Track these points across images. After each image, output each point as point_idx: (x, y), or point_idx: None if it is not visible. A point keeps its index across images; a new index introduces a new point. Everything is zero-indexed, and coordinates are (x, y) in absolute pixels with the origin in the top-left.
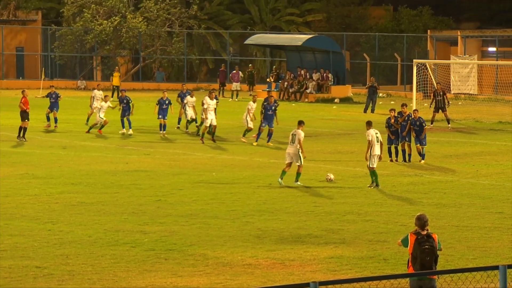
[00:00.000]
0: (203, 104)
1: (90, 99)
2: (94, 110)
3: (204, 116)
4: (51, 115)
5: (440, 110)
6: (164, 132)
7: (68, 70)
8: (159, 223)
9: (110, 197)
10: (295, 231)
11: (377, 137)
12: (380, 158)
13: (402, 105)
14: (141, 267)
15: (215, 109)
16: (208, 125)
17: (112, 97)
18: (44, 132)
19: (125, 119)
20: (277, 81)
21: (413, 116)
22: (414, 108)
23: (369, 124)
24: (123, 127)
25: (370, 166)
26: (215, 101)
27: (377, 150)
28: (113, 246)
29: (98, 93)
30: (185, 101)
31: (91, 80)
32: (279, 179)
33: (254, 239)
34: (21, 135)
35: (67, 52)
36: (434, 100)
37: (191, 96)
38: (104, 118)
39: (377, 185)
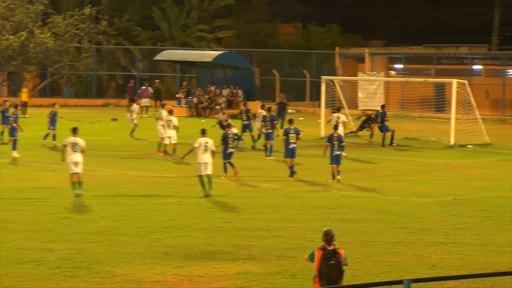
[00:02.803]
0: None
1: None
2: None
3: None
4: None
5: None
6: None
7: None
8: (66, 241)
9: (16, 214)
10: (204, 247)
11: (206, 145)
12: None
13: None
14: (47, 285)
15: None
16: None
17: (25, 113)
18: None
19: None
20: (187, 97)
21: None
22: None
23: (202, 133)
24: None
25: (198, 173)
26: (174, 117)
27: (204, 158)
28: (17, 264)
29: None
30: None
31: None
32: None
33: (162, 256)
34: None
35: None
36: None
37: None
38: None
39: (210, 189)
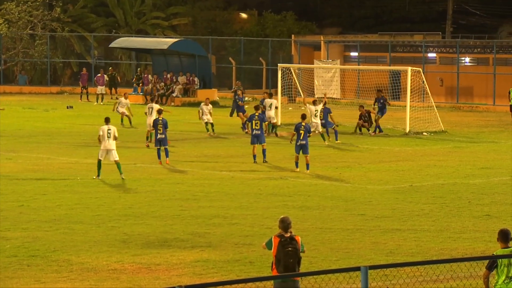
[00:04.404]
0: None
1: None
2: None
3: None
4: None
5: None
6: None
7: None
8: (22, 229)
9: None
10: (162, 235)
11: (109, 132)
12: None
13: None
14: (3, 274)
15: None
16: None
17: None
18: None
19: None
20: (138, 84)
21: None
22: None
23: (106, 121)
24: None
25: (99, 158)
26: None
27: (109, 145)
28: None
29: None
30: None
31: None
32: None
33: (119, 244)
34: None
35: None
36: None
37: None
38: None
39: (120, 173)
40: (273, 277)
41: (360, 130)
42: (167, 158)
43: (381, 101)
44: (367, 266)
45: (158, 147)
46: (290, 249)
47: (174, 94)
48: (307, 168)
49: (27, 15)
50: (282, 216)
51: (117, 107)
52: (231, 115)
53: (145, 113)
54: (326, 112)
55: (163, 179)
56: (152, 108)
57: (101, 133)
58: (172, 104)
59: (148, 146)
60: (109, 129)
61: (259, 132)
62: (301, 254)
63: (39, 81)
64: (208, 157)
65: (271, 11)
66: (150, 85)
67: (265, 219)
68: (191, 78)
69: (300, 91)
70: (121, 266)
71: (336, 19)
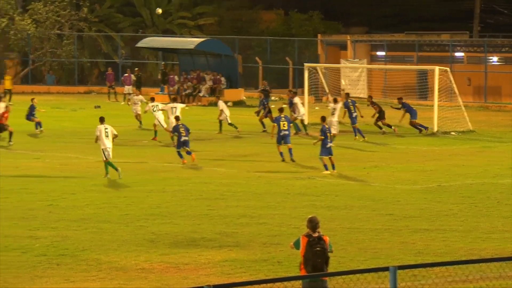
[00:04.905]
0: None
1: None
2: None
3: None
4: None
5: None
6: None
7: None
8: (51, 228)
9: None
10: (189, 234)
11: (106, 131)
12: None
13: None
14: (32, 273)
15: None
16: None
17: (9, 100)
18: None
19: None
20: (163, 81)
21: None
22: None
23: (101, 120)
24: None
25: (103, 159)
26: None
27: (106, 143)
28: (2, 252)
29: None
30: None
31: None
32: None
33: (148, 243)
34: None
35: None
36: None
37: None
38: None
39: (116, 169)
40: (302, 277)
41: (380, 127)
42: (193, 154)
43: (404, 106)
44: (396, 266)
45: (178, 150)
46: (318, 249)
47: (200, 94)
48: (333, 168)
49: (54, 15)
50: (310, 216)
51: (134, 108)
52: (257, 114)
53: (151, 110)
54: (353, 104)
55: (191, 178)
56: (176, 108)
57: (98, 133)
58: (199, 103)
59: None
60: (106, 128)
61: (287, 132)
62: (329, 254)
63: (66, 80)
64: (234, 156)
65: (297, 10)
66: (176, 85)
67: (292, 219)
68: (218, 77)
69: (327, 90)
70: (149, 265)
71: (362, 18)
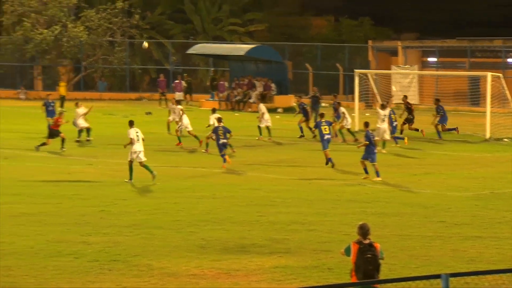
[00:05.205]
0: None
1: (42, 109)
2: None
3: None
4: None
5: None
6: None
7: (8, 80)
8: (103, 234)
9: (52, 207)
10: (240, 240)
11: (137, 135)
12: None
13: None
14: (85, 278)
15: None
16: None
17: (61, 106)
18: None
19: None
20: (212, 87)
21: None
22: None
23: (130, 124)
24: None
25: (137, 162)
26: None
27: (138, 147)
28: (55, 257)
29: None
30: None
31: (32, 90)
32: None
33: (198, 249)
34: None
35: (7, 62)
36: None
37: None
38: (86, 124)
39: (151, 172)
40: (352, 284)
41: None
42: (227, 156)
43: (441, 109)
44: (448, 273)
45: (222, 153)
46: (369, 255)
47: (251, 100)
48: (377, 175)
49: (106, 22)
50: (360, 223)
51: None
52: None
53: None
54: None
55: (241, 184)
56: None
57: (131, 136)
58: (249, 110)
59: (206, 151)
60: (137, 132)
61: (330, 136)
62: (380, 261)
63: (118, 87)
64: (285, 163)
65: (347, 16)
66: (226, 92)
67: (343, 226)
68: (268, 84)
69: (377, 97)
70: (200, 271)
71: (413, 23)
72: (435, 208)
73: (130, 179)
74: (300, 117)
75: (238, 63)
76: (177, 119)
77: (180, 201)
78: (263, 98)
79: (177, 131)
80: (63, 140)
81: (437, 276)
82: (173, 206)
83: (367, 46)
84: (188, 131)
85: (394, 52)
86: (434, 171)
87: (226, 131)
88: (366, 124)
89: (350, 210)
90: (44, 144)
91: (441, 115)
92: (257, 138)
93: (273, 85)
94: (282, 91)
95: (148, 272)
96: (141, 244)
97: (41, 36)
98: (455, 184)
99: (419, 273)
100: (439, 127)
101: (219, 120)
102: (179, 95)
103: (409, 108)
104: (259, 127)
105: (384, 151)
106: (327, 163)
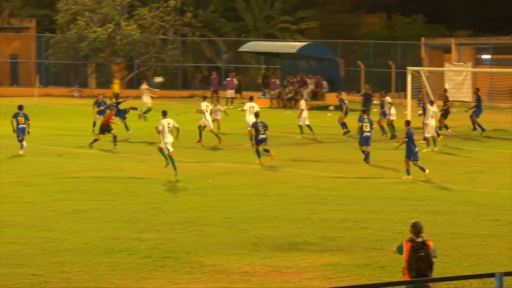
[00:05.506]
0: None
1: (92, 107)
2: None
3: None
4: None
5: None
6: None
7: (62, 78)
8: (155, 231)
9: (105, 204)
10: (291, 238)
11: (168, 126)
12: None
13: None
14: (138, 275)
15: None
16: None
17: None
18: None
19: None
20: (264, 85)
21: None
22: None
23: (163, 114)
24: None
25: (161, 147)
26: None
27: (168, 138)
28: (109, 253)
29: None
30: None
31: (85, 87)
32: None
33: (250, 247)
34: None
35: (61, 60)
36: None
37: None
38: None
39: (175, 169)
40: (405, 282)
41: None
42: (271, 151)
43: (478, 99)
44: (502, 272)
45: (257, 147)
46: (422, 254)
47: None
48: (423, 170)
49: (159, 20)
50: (413, 221)
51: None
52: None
53: (205, 110)
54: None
55: (292, 182)
56: (253, 107)
57: (160, 127)
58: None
59: (253, 146)
60: (169, 123)
61: (369, 134)
62: (433, 260)
63: (170, 85)
64: (337, 161)
65: (400, 13)
66: (277, 89)
67: (395, 224)
68: (319, 81)
69: (430, 94)
70: (252, 268)
71: (467, 21)
72: (488, 206)
73: (168, 163)
74: (340, 114)
75: (290, 61)
76: (218, 118)
77: (231, 198)
78: (314, 95)
79: (199, 127)
80: (114, 138)
81: (491, 275)
82: (224, 203)
83: (420, 44)
84: (210, 129)
85: (447, 50)
86: (487, 169)
87: (265, 126)
88: (408, 123)
89: (402, 208)
90: (96, 140)
91: (477, 106)
92: (298, 137)
93: (324, 83)
94: (334, 88)
95: (199, 269)
96: (192, 241)
97: (94, 34)
98: (509, 182)
99: (472, 272)
100: (474, 119)
101: (257, 115)
102: (230, 92)
103: (445, 103)
104: (300, 126)
105: (436, 148)
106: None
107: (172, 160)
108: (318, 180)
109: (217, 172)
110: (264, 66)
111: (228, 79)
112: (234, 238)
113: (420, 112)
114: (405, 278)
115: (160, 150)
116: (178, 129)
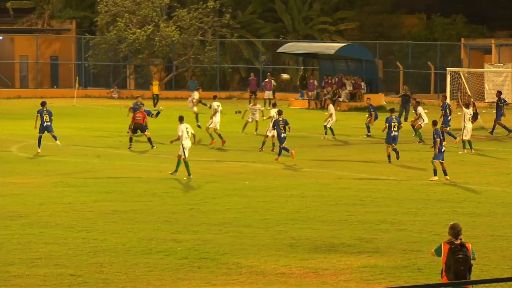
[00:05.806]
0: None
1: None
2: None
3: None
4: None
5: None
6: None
7: (101, 79)
8: (192, 232)
9: (143, 205)
10: (328, 240)
11: (187, 131)
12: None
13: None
14: (175, 276)
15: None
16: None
17: (154, 107)
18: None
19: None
20: (302, 86)
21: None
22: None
23: (180, 120)
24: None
25: (182, 157)
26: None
27: (187, 143)
28: (146, 254)
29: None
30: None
31: (125, 89)
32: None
33: (287, 248)
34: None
35: (100, 61)
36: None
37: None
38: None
39: (189, 174)
40: (443, 285)
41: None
42: (292, 151)
43: (500, 101)
44: None
45: (283, 147)
46: (460, 256)
47: (340, 99)
48: (445, 174)
49: (198, 22)
50: (452, 223)
51: (251, 116)
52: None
53: (218, 110)
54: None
55: (330, 183)
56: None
57: (180, 133)
58: (338, 108)
59: (273, 150)
60: (187, 128)
61: (397, 133)
62: (472, 262)
63: (208, 86)
64: (375, 162)
65: (440, 14)
66: (315, 90)
67: (433, 226)
68: (357, 82)
69: (470, 95)
70: (288, 270)
71: (507, 21)
72: None
73: (175, 172)
74: (367, 116)
75: (328, 62)
76: (256, 118)
77: (269, 199)
78: (352, 97)
79: (207, 128)
80: (149, 139)
81: None
82: (262, 204)
83: (460, 44)
84: (215, 129)
85: (487, 50)
86: None
87: (286, 124)
88: (434, 123)
89: (441, 210)
90: (131, 139)
91: (497, 109)
92: (322, 138)
93: (363, 84)
94: (372, 89)
95: (236, 270)
96: (229, 242)
97: (134, 35)
98: None
99: (511, 275)
100: (499, 123)
101: (279, 113)
102: (268, 93)
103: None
104: (325, 126)
105: (472, 151)
106: (397, 157)
107: (186, 165)
108: (356, 182)
109: (254, 173)
110: (302, 67)
111: (266, 80)
112: (271, 239)
113: (460, 113)
114: (443, 280)
115: (179, 158)
116: (194, 135)
